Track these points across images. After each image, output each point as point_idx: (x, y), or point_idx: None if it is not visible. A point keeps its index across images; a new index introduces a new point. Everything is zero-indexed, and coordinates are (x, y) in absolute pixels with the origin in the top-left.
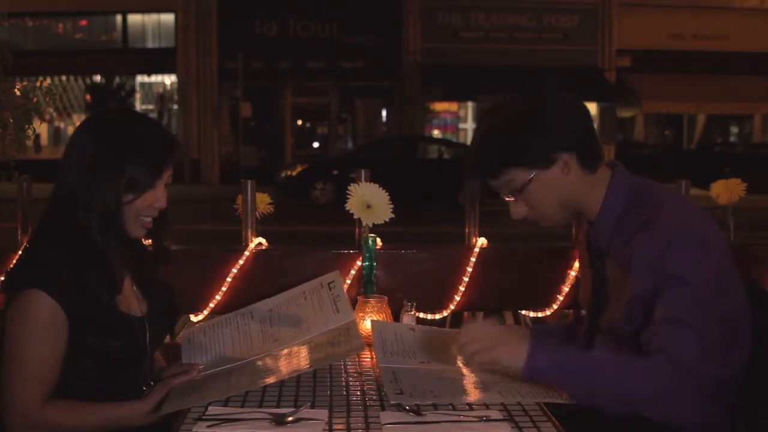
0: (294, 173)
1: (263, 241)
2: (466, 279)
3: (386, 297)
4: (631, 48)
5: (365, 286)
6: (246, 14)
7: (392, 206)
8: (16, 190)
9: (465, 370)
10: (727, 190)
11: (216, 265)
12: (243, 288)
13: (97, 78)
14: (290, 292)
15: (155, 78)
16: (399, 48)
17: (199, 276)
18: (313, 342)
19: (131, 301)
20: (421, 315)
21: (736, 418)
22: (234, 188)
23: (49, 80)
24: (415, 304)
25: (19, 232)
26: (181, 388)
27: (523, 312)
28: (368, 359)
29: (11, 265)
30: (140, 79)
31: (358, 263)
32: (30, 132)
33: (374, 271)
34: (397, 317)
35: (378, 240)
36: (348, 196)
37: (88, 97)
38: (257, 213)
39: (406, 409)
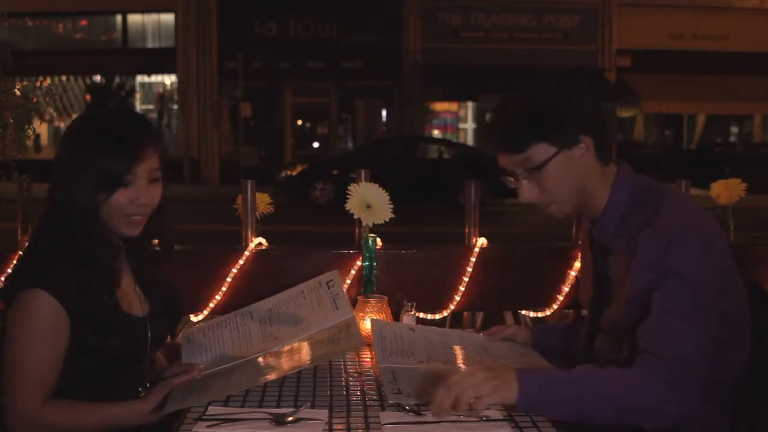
0: (294, 173)
1: (263, 241)
2: (466, 279)
3: (386, 297)
4: (631, 48)
5: (365, 286)
6: (246, 14)
7: (392, 206)
8: (16, 190)
9: (464, 369)
10: (727, 190)
11: (216, 265)
12: (243, 288)
13: (97, 78)
14: (289, 291)
15: (155, 78)
16: (399, 48)
17: (199, 276)
18: (313, 339)
19: (133, 301)
20: (421, 315)
21: (736, 418)
22: (234, 188)
23: (49, 80)
24: (415, 304)
25: (19, 232)
26: (182, 388)
27: (523, 312)
28: (368, 359)
29: (12, 266)
30: (140, 79)
31: (358, 263)
32: (30, 132)
33: (374, 271)
34: (397, 317)
35: (378, 240)
36: (348, 196)
37: (88, 97)
38: (257, 213)
39: (406, 409)
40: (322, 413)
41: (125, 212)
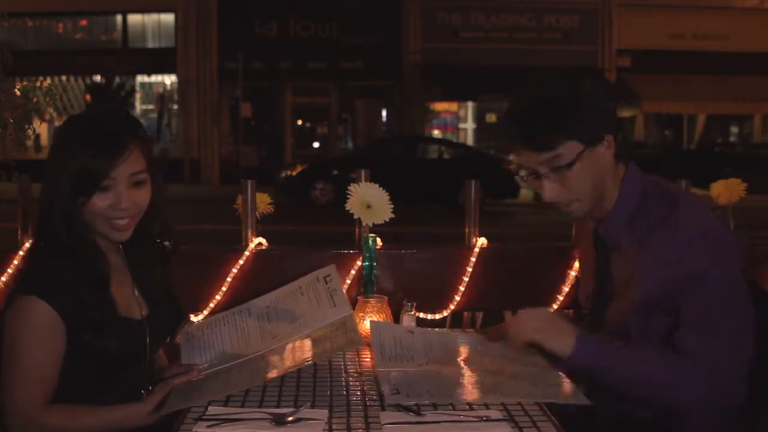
0: (294, 173)
1: (263, 241)
2: (466, 279)
3: (386, 297)
4: (631, 48)
5: (365, 286)
6: (246, 14)
7: (392, 206)
8: (16, 190)
9: (464, 370)
10: (727, 190)
11: (216, 265)
12: (243, 288)
13: (97, 78)
14: (287, 287)
15: (155, 78)
16: (399, 48)
17: (199, 276)
18: (311, 336)
19: (131, 303)
20: (421, 315)
21: (739, 421)
22: (234, 188)
23: (49, 80)
24: (415, 304)
25: (19, 232)
26: (182, 388)
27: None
28: (368, 359)
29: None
30: (140, 79)
31: (358, 263)
32: (30, 132)
33: (374, 271)
34: (397, 317)
35: (378, 240)
36: (348, 196)
37: (88, 97)
38: (257, 213)
39: (406, 409)
40: (322, 413)
41: (107, 216)
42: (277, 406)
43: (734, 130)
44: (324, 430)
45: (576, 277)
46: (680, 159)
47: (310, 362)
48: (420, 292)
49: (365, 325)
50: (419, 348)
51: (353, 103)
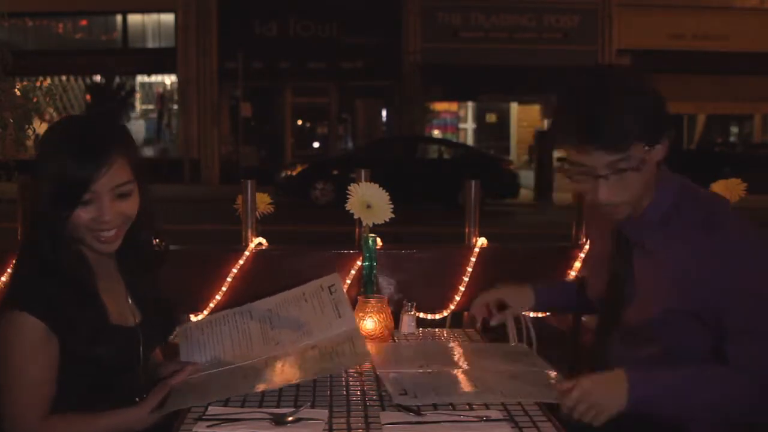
0: (294, 173)
1: (263, 241)
2: (466, 279)
3: (386, 297)
4: (631, 48)
5: (365, 286)
6: (246, 14)
7: (392, 206)
8: (16, 190)
9: (464, 370)
10: (727, 190)
11: (216, 265)
12: (243, 288)
13: (97, 78)
14: (289, 293)
15: (155, 78)
16: (399, 48)
17: (199, 276)
18: (316, 348)
19: (124, 311)
20: (421, 315)
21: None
22: (234, 188)
23: (49, 80)
24: (415, 304)
25: (19, 232)
26: (183, 388)
27: (523, 312)
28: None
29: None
30: (140, 79)
31: (358, 263)
32: (30, 132)
33: (374, 271)
34: (397, 317)
35: (378, 240)
36: (348, 196)
37: (88, 97)
38: (257, 213)
39: (406, 409)
40: (322, 413)
41: (91, 228)
42: (277, 406)
43: (734, 130)
44: (324, 430)
45: (578, 277)
46: (680, 159)
47: (315, 377)
48: (420, 292)
49: (366, 325)
50: (418, 354)
51: (353, 103)
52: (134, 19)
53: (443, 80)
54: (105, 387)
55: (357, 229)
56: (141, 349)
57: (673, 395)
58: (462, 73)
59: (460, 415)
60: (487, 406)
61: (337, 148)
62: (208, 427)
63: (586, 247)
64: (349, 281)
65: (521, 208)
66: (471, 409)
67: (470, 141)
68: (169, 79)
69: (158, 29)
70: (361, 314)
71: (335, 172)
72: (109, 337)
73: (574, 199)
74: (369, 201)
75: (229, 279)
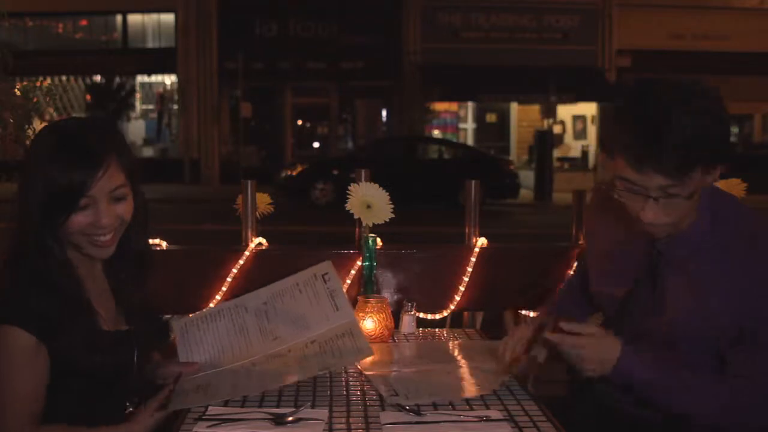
0: (294, 173)
1: (263, 241)
2: (466, 279)
3: (386, 297)
4: (631, 48)
5: (365, 286)
6: (246, 14)
7: (392, 206)
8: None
9: (455, 367)
10: (727, 190)
11: (216, 265)
12: (243, 288)
13: (97, 78)
14: (282, 283)
15: (155, 78)
16: (399, 48)
17: (199, 276)
18: (316, 343)
19: (114, 316)
20: (421, 315)
21: None
22: (234, 188)
23: (49, 80)
24: (415, 304)
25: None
26: (186, 387)
27: (523, 312)
28: (368, 360)
29: None
30: (140, 79)
31: (358, 263)
32: (30, 132)
33: (374, 271)
34: (397, 317)
35: (378, 240)
36: (348, 196)
37: (88, 97)
38: (257, 213)
39: (406, 409)
40: (322, 413)
41: (87, 233)
42: (277, 406)
43: (734, 130)
44: (324, 430)
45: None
46: None
47: (318, 374)
48: (420, 292)
49: (366, 325)
50: (409, 354)
51: (353, 103)
52: (134, 19)
53: (443, 80)
54: (99, 395)
55: (357, 229)
56: (135, 353)
57: (660, 382)
58: (462, 73)
59: (460, 415)
60: (487, 406)
61: (337, 148)
62: (208, 427)
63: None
64: (349, 281)
65: (521, 208)
66: (471, 409)
67: (470, 141)
68: (169, 79)
69: (158, 29)
70: (361, 314)
71: (335, 172)
72: (102, 344)
73: (574, 199)
74: (369, 201)
75: (229, 279)
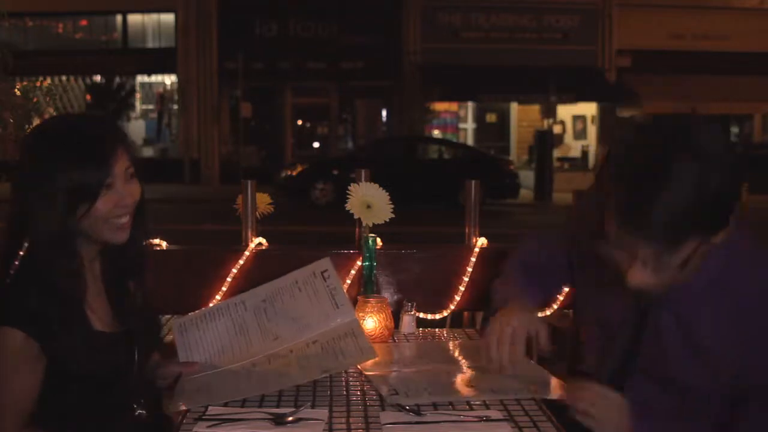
0: (294, 173)
1: (263, 241)
2: (466, 279)
3: (386, 297)
4: (631, 48)
5: (365, 286)
6: (246, 14)
7: (392, 206)
8: None
9: (455, 367)
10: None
11: (216, 265)
12: (243, 288)
13: (97, 78)
14: (281, 280)
15: (155, 78)
16: (399, 48)
17: (199, 276)
18: (318, 344)
19: (108, 317)
20: (421, 315)
21: None
22: (234, 188)
23: (49, 80)
24: (415, 304)
25: None
26: (188, 388)
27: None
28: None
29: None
30: (140, 79)
31: (358, 263)
32: None
33: (374, 271)
34: (397, 317)
35: (378, 240)
36: (348, 196)
37: (88, 97)
38: (257, 213)
39: (406, 409)
40: (322, 413)
41: (111, 216)
42: (277, 406)
43: (734, 130)
44: (324, 430)
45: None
46: None
47: (321, 377)
48: (420, 292)
49: (366, 325)
50: (409, 354)
51: (353, 103)
52: (134, 19)
53: (443, 80)
54: (101, 397)
55: (357, 229)
56: (136, 353)
57: None
58: (462, 73)
59: (460, 415)
60: (487, 406)
61: (337, 148)
62: (208, 427)
63: None
64: (349, 281)
65: (521, 208)
66: (471, 408)
67: (470, 141)
68: (169, 79)
69: (158, 29)
70: (361, 314)
71: (335, 172)
72: (100, 345)
73: (574, 199)
74: (369, 201)
75: (229, 279)
